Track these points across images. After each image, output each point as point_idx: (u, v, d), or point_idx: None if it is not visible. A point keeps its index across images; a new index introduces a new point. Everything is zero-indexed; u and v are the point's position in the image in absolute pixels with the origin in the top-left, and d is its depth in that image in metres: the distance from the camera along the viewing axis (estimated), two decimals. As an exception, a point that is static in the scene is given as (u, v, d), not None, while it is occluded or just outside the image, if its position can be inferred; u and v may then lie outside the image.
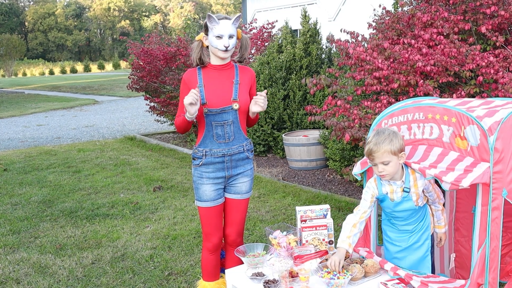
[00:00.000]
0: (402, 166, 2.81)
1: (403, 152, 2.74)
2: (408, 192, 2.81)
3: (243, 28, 11.82)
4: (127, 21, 69.22)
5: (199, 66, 3.10)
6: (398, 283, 2.63)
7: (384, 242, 3.09)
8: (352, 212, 2.98)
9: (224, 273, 3.39)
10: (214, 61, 3.08)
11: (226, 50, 2.96)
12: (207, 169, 3.11)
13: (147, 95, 10.84)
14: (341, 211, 5.33)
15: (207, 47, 3.03)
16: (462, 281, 2.67)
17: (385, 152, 2.69)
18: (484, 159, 2.52)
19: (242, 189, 3.21)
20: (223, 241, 3.44)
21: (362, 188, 6.21)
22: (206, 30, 2.98)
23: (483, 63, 3.99)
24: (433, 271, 3.01)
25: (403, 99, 4.42)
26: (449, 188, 2.54)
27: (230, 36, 2.95)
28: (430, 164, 2.68)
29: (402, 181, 2.82)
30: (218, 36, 2.93)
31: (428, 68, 4.13)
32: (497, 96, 3.96)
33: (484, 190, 2.53)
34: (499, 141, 2.50)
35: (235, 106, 3.02)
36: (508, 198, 2.55)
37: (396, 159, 2.72)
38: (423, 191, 2.85)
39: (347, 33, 5.18)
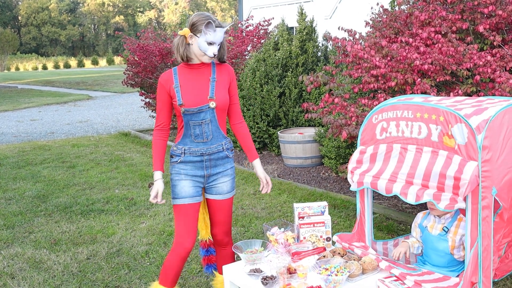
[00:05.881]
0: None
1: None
2: (446, 232, 2.93)
3: (239, 25, 11.81)
4: (121, 17, 68.95)
5: (175, 67, 3.03)
6: (395, 280, 2.64)
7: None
8: (347, 209, 3.02)
9: (215, 269, 3.37)
10: (192, 60, 3.00)
11: (212, 57, 2.92)
12: (185, 167, 3.04)
13: (143, 91, 10.80)
14: (336, 209, 5.34)
15: (188, 44, 2.93)
16: (456, 279, 2.68)
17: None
18: (471, 157, 2.53)
19: (223, 189, 3.12)
20: (209, 238, 3.36)
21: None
22: (192, 28, 2.90)
23: (480, 62, 4.01)
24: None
25: (400, 98, 4.45)
26: (445, 208, 2.59)
27: (219, 44, 2.92)
28: (422, 182, 2.70)
29: (445, 219, 2.97)
30: (210, 43, 2.87)
31: (426, 66, 4.14)
32: (493, 95, 3.98)
33: (473, 189, 2.54)
34: (487, 140, 2.51)
35: (212, 104, 2.94)
36: (498, 197, 2.56)
37: None
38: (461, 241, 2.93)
39: (345, 30, 5.19)
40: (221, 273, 3.24)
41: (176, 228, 3.07)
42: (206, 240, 3.37)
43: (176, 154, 3.05)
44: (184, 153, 3.02)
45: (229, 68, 3.09)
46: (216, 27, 2.87)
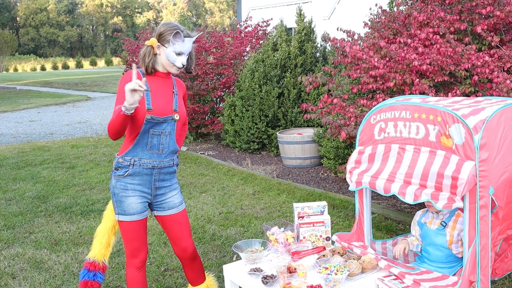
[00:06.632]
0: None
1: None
2: (444, 226, 2.97)
3: (237, 26, 11.84)
4: (120, 18, 68.95)
5: (141, 69, 2.90)
6: (395, 279, 2.67)
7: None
8: (346, 209, 3.05)
9: None
10: (159, 69, 2.91)
11: (181, 68, 2.85)
12: (132, 181, 2.88)
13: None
14: (335, 209, 5.36)
15: (156, 54, 2.83)
16: (455, 278, 2.70)
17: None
18: (469, 157, 2.55)
19: (175, 203, 3.03)
20: (103, 261, 3.19)
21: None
22: (159, 38, 2.81)
23: (479, 63, 4.04)
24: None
25: (398, 98, 4.48)
26: (443, 207, 2.61)
27: (187, 54, 2.86)
28: (420, 182, 2.73)
29: (443, 215, 3.01)
30: (178, 53, 2.79)
31: (424, 67, 4.17)
32: (491, 95, 4.01)
33: (471, 189, 2.56)
34: (485, 140, 2.54)
35: (176, 116, 2.87)
36: (494, 196, 2.58)
37: None
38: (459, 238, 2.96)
39: (343, 31, 5.21)
40: (194, 285, 3.19)
41: (127, 242, 2.95)
42: (99, 263, 3.16)
43: (123, 166, 2.88)
44: (133, 164, 2.86)
45: (183, 84, 3.05)
46: (185, 37, 2.80)
